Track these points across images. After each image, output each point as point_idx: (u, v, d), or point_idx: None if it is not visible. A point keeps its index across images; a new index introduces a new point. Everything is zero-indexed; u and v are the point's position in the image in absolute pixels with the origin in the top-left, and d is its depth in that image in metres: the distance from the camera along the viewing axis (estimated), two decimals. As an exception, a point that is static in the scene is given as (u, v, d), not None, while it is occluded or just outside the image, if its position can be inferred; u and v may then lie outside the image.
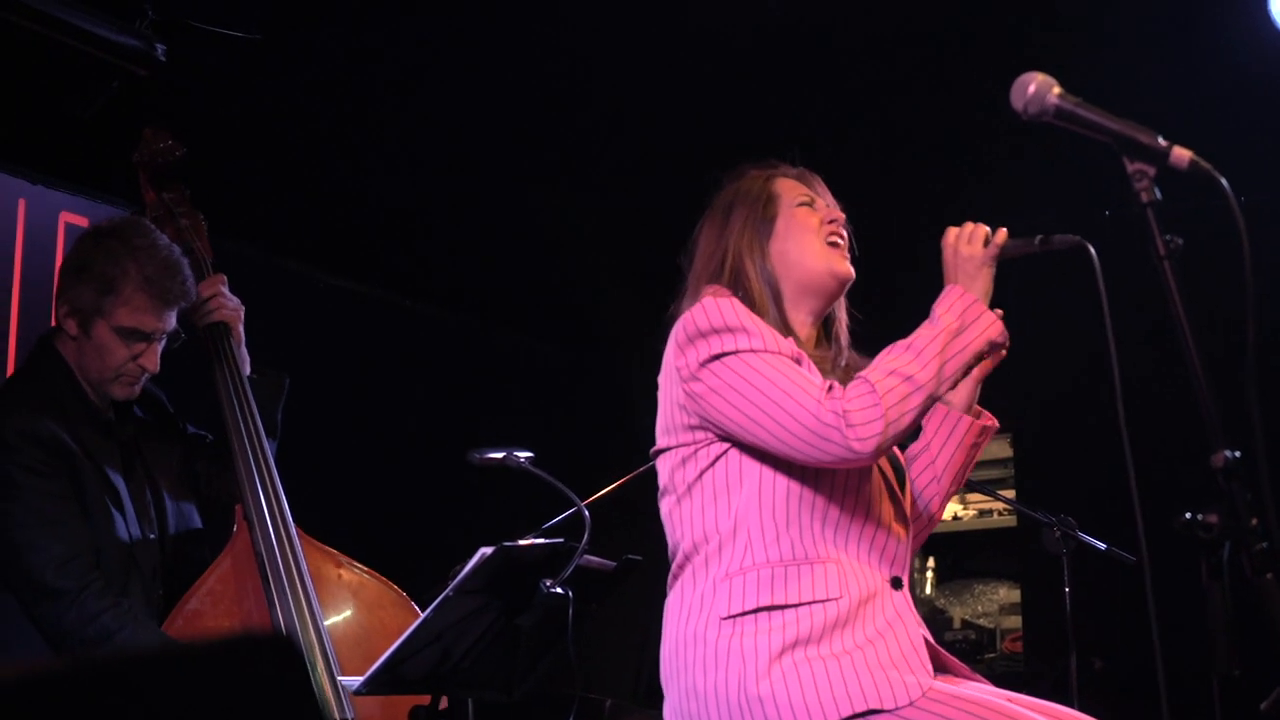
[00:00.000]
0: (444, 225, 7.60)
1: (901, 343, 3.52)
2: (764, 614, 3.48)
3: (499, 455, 4.56)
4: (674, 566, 3.69)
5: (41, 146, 6.03)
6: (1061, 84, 2.83)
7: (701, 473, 3.61)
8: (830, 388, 3.44)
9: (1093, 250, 3.55)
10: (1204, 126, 4.22)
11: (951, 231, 3.66)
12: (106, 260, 4.54)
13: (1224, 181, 2.66)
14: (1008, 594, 8.65)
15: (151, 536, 4.59)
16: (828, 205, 3.82)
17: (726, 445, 3.58)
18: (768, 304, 3.68)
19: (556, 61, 6.64)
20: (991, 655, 8.32)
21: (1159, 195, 2.71)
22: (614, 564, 4.36)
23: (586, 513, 4.31)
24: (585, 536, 4.15)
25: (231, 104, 6.29)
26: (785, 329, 3.69)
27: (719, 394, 3.53)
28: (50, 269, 5.98)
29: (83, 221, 6.08)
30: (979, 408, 3.93)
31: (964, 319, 3.53)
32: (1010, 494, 7.33)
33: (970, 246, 3.61)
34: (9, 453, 4.35)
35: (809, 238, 3.73)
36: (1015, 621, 8.43)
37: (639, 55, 6.65)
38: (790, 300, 3.74)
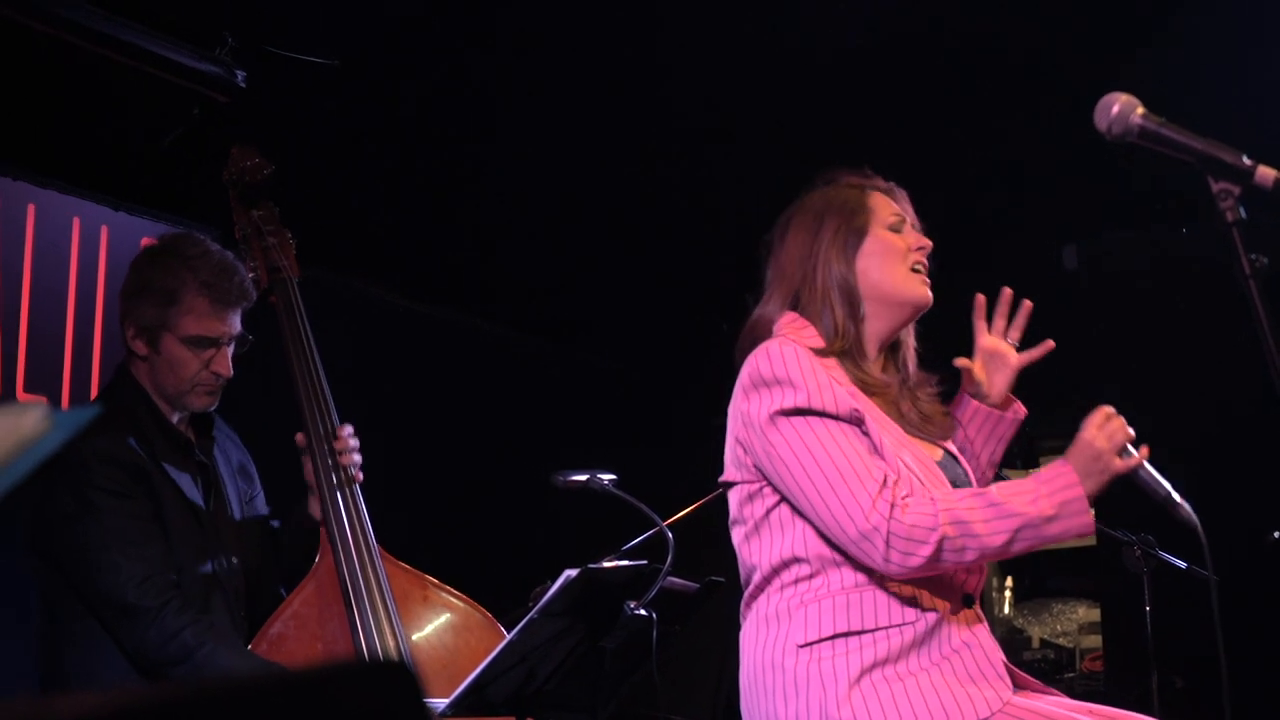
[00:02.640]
0: (524, 250, 7.62)
1: (994, 495, 3.48)
2: (840, 640, 3.49)
3: (582, 478, 4.58)
4: (747, 594, 3.70)
5: (123, 173, 6.09)
6: (1144, 104, 2.83)
7: (769, 509, 3.62)
8: (884, 484, 3.44)
9: (1202, 534, 3.50)
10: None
11: (1100, 414, 3.55)
12: (163, 274, 4.56)
13: (1310, 200, 2.66)
14: (1086, 613, 8.60)
15: (234, 560, 4.61)
16: (914, 227, 3.82)
17: None
18: (845, 319, 3.67)
19: (640, 87, 6.66)
20: (1071, 674, 8.27)
21: (1244, 214, 2.70)
22: (697, 585, 4.37)
23: (669, 534, 4.32)
24: (669, 558, 4.15)
25: (310, 129, 6.34)
26: (859, 346, 3.69)
27: (771, 457, 3.54)
28: (133, 294, 6.04)
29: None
30: (1010, 395, 3.92)
31: (1063, 510, 3.45)
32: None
33: (1106, 445, 3.49)
34: (88, 474, 4.37)
35: (895, 261, 3.72)
36: (1094, 640, 8.38)
37: (727, 80, 6.67)
38: (868, 318, 3.73)
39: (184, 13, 5.68)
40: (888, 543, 3.38)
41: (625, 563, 4.20)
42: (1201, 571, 5.43)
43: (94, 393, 5.82)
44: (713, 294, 7.76)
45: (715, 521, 5.05)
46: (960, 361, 3.82)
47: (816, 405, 3.51)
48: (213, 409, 4.67)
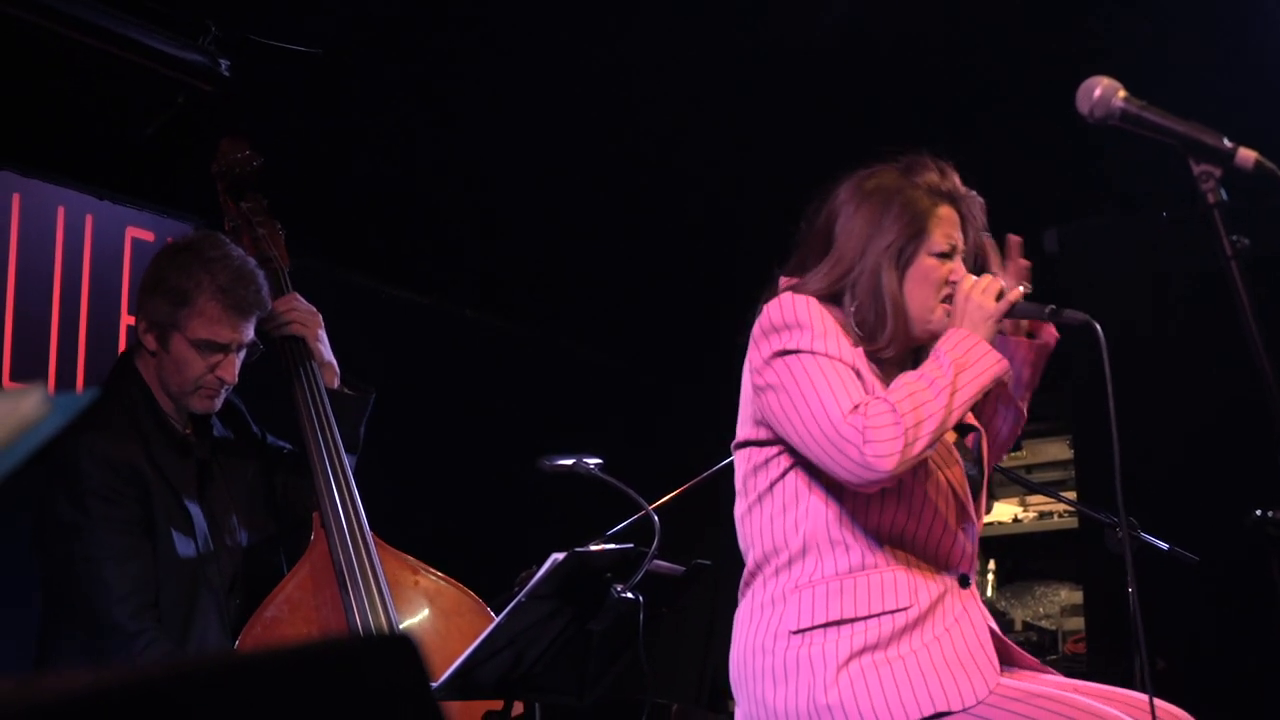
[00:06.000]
0: (513, 239, 7.63)
1: (914, 373, 3.55)
2: (834, 627, 3.52)
3: (569, 462, 4.60)
4: (745, 574, 3.72)
5: (108, 162, 6.08)
6: (1126, 87, 2.85)
7: (772, 484, 3.64)
8: (856, 407, 3.47)
9: (1099, 330, 3.57)
10: (1268, 126, 4.22)
11: (967, 279, 3.66)
12: (180, 273, 4.56)
13: (1290, 181, 2.68)
14: (1069, 595, 8.63)
15: (229, 544, 4.63)
16: (965, 250, 3.78)
17: (796, 457, 3.61)
18: (886, 316, 3.67)
19: (626, 78, 6.66)
20: (1053, 657, 8.30)
21: (1225, 196, 2.73)
22: (683, 568, 4.39)
23: (655, 517, 4.34)
24: (655, 541, 4.17)
25: (295, 119, 6.34)
26: (897, 342, 3.72)
27: (770, 390, 3.57)
28: (117, 283, 6.04)
29: (149, 236, 6.14)
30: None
31: (968, 357, 3.54)
32: (1071, 495, 7.32)
33: (983, 297, 3.61)
34: (85, 479, 4.37)
35: (930, 292, 3.70)
36: (1077, 623, 8.42)
37: (707, 72, 6.69)
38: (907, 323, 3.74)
39: (167, 1, 5.68)
40: (865, 439, 3.40)
41: (612, 546, 4.22)
42: (1186, 555, 5.48)
43: (80, 382, 5.83)
44: (702, 284, 7.81)
45: (702, 505, 5.08)
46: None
47: (820, 348, 3.53)
48: (212, 412, 4.68)
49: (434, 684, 4.07)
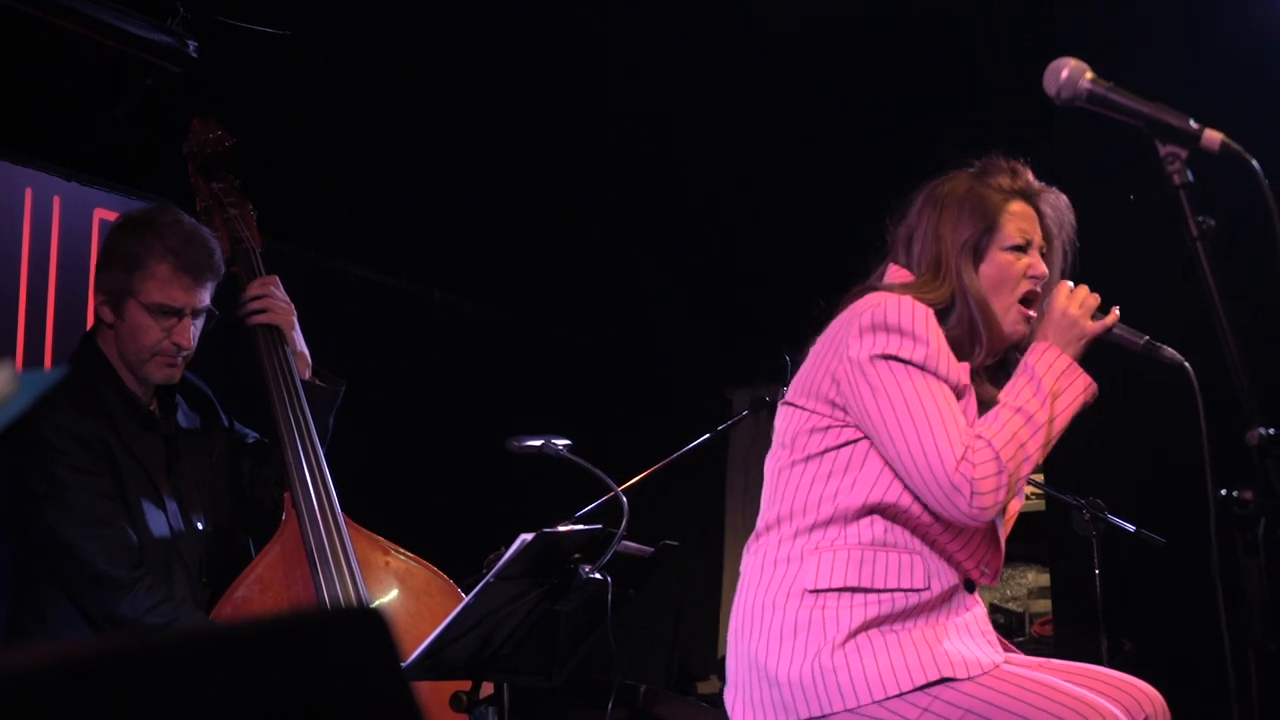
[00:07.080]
0: (480, 220, 7.63)
1: (1012, 404, 3.57)
2: (848, 594, 3.54)
3: (537, 443, 4.60)
4: (760, 527, 3.73)
5: (76, 144, 6.07)
6: (1093, 68, 2.86)
7: (826, 450, 3.64)
8: (965, 453, 3.49)
9: (1191, 371, 3.57)
10: (1235, 108, 4.23)
11: (1064, 286, 3.68)
12: (132, 240, 4.56)
13: (1255, 163, 2.69)
14: (1036, 577, 8.67)
15: (199, 527, 4.62)
16: (1040, 244, 3.80)
17: (861, 434, 3.63)
18: (977, 323, 3.70)
19: (601, 57, 6.65)
20: (1021, 639, 8.34)
21: (1191, 178, 2.73)
22: (651, 549, 4.39)
23: (624, 498, 4.34)
24: (624, 522, 4.18)
25: (263, 100, 6.32)
26: (991, 353, 3.75)
27: (874, 393, 3.56)
28: (85, 264, 6.02)
29: (116, 217, 6.13)
30: None
31: (1061, 382, 3.58)
32: (1039, 477, 7.33)
33: (1079, 312, 3.63)
34: (53, 453, 4.36)
35: (1004, 291, 3.73)
36: (1044, 605, 8.45)
37: (673, 50, 6.68)
38: (996, 326, 3.76)
39: (135, -18, 5.67)
40: (974, 490, 3.46)
41: (580, 527, 4.22)
42: (1153, 536, 5.50)
43: (48, 363, 5.81)
44: (675, 266, 7.81)
45: (671, 487, 5.08)
46: None
47: (931, 366, 3.56)
48: (173, 381, 4.66)
49: (403, 664, 4.07)
